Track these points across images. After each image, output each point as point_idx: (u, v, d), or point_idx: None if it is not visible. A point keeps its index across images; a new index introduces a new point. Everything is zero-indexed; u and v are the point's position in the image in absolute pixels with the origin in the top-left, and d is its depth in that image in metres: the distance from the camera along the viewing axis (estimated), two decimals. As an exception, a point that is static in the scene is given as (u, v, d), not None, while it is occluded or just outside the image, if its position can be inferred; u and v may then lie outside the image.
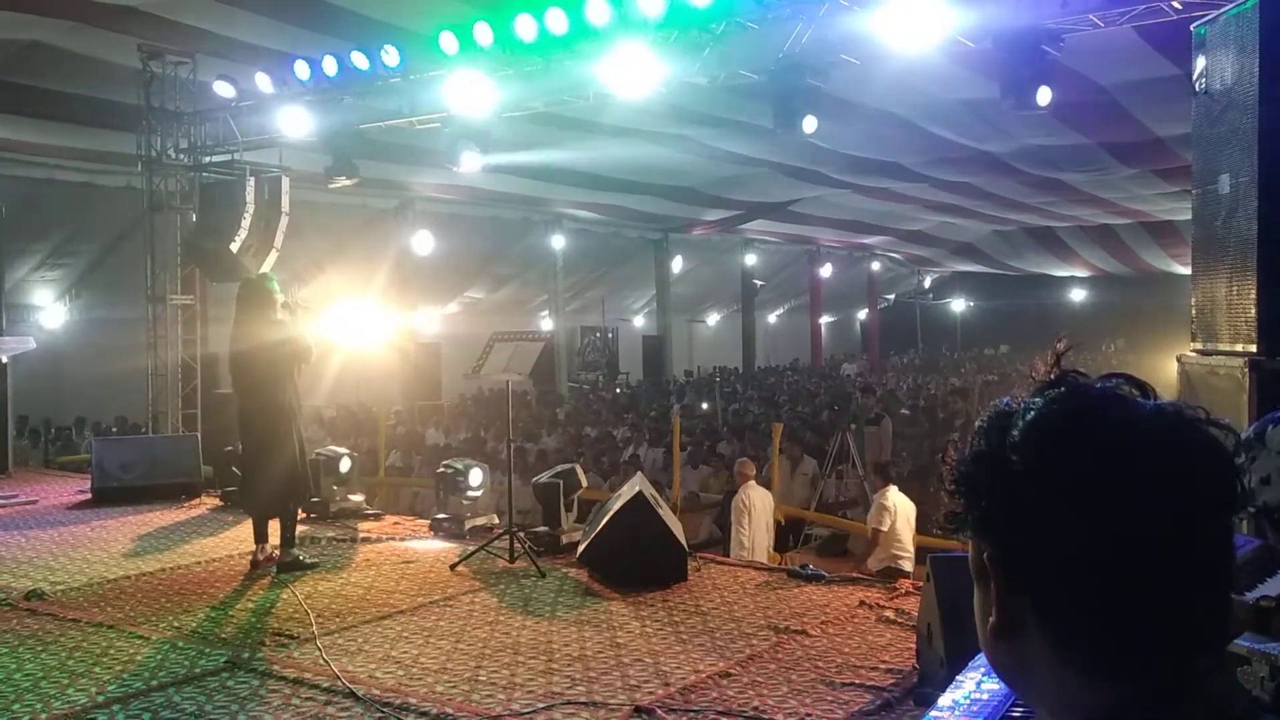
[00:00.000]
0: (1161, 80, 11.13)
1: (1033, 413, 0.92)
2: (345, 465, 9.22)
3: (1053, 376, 0.96)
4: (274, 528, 7.25)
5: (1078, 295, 37.30)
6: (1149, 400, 0.92)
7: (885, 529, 8.24)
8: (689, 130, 14.66)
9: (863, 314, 39.33)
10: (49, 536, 8.38)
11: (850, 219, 25.13)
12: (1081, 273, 34.45)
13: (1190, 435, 0.89)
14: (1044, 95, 7.46)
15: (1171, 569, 0.86)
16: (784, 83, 8.52)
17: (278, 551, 7.17)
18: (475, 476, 8.39)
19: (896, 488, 8.52)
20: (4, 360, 10.07)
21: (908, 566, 7.99)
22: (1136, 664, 0.87)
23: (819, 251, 31.71)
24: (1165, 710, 0.86)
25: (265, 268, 11.24)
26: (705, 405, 20.17)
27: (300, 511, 7.55)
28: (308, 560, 7.18)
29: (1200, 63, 5.09)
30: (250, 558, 7.21)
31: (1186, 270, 6.07)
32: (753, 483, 9.21)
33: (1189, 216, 5.44)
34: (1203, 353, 4.96)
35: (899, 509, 8.29)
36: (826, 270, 31.89)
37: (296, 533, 7.36)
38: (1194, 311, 5.07)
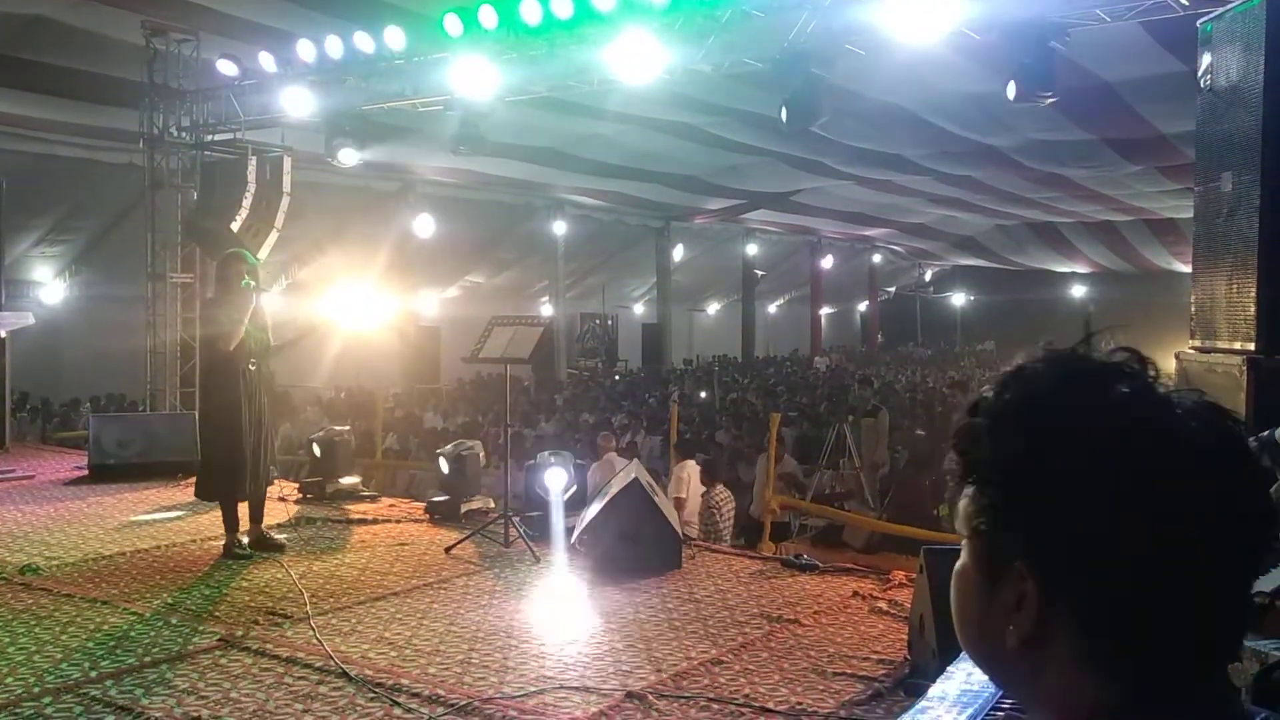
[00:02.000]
0: (1167, 76, 11.12)
1: (1084, 411, 0.86)
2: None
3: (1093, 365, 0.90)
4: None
5: (1078, 291, 37.30)
6: (1178, 394, 0.88)
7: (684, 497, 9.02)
8: (692, 118, 14.63)
9: (863, 306, 39.35)
10: (45, 512, 8.39)
11: (852, 210, 25.11)
12: (1083, 269, 34.44)
13: (1235, 438, 0.87)
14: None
15: (1217, 574, 0.84)
16: (788, 72, 8.49)
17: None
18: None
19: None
20: (2, 335, 10.06)
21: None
22: (1177, 671, 0.85)
23: (820, 242, 31.69)
24: (1180, 711, 0.84)
25: (266, 248, 11.23)
26: (703, 394, 20.18)
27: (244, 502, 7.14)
28: (240, 551, 6.93)
29: (1206, 59, 5.07)
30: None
31: (1187, 268, 6.06)
32: (612, 454, 9.72)
33: (1191, 214, 5.43)
34: (1201, 350, 4.96)
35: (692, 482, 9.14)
36: (828, 261, 31.88)
37: (236, 518, 7.05)
38: (1193, 309, 5.07)
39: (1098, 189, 20.68)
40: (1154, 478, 0.83)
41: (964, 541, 0.95)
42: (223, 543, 7.05)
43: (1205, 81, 5.07)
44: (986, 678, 2.26)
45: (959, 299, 40.34)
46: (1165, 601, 0.83)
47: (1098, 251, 30.47)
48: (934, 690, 2.14)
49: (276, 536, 7.17)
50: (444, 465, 8.46)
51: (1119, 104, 13.04)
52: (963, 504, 0.94)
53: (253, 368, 6.97)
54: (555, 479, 7.83)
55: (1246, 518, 0.85)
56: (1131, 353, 0.90)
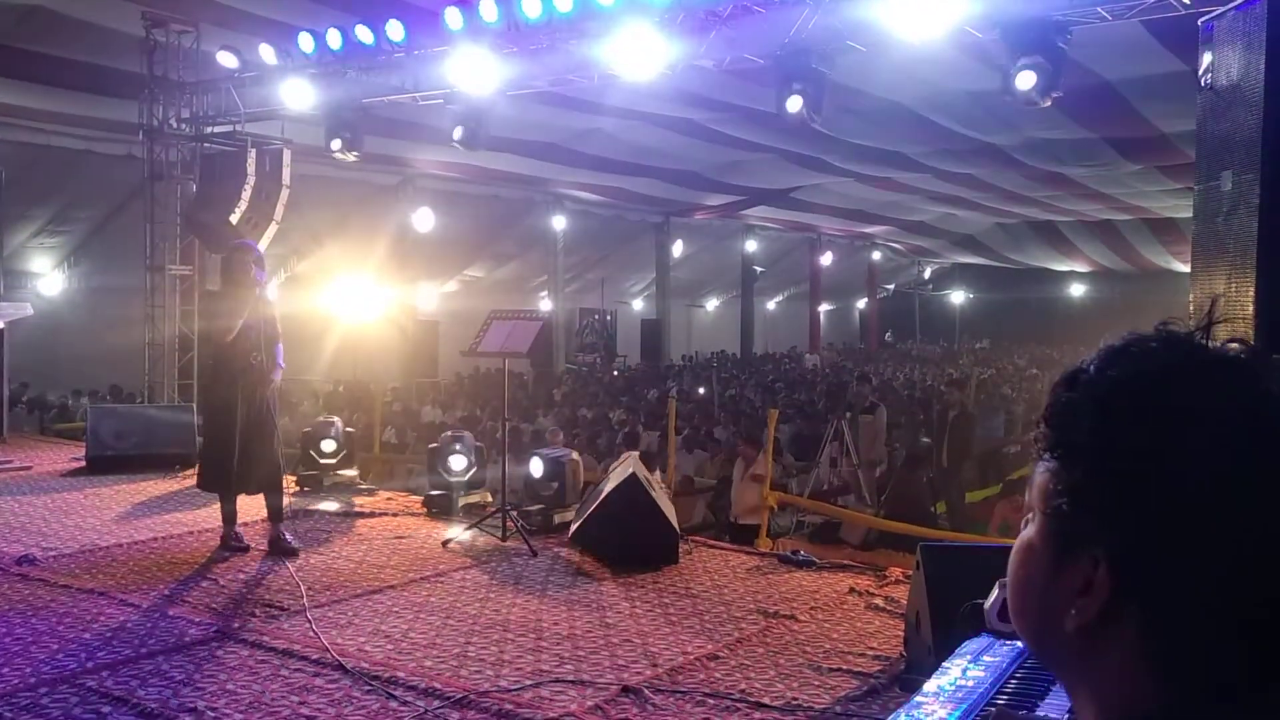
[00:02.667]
0: (1168, 75, 11.12)
1: (1204, 399, 0.81)
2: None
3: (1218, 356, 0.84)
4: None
5: (1077, 290, 37.33)
6: None
7: None
8: (693, 113, 14.62)
9: (862, 303, 39.35)
10: (42, 503, 8.39)
11: (852, 208, 25.11)
12: (1082, 268, 34.46)
13: None
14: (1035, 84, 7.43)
15: None
16: (789, 68, 8.49)
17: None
18: (458, 460, 8.37)
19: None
20: (1, 326, 10.05)
21: None
22: (1240, 680, 0.81)
23: (820, 239, 31.69)
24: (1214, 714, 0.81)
25: (265, 240, 11.22)
26: (701, 390, 20.18)
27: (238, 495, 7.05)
28: (236, 544, 6.90)
29: (1206, 58, 5.07)
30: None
31: (1186, 268, 6.06)
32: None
33: (1191, 213, 5.43)
34: (1199, 349, 4.98)
35: None
36: (827, 258, 31.87)
37: (233, 510, 7.01)
38: (1191, 308, 5.08)
39: (1098, 188, 20.68)
40: (1266, 480, 0.78)
41: (1034, 515, 0.91)
42: (217, 532, 7.05)
43: (1206, 80, 5.07)
44: (984, 669, 2.26)
45: (958, 297, 40.36)
46: (1246, 613, 0.79)
47: (1097, 250, 30.48)
48: (929, 685, 2.14)
49: (292, 542, 6.97)
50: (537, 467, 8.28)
51: (1120, 103, 13.04)
52: (1040, 478, 0.89)
53: (255, 361, 6.83)
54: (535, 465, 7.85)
55: None
56: (1247, 345, 0.85)
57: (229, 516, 7.00)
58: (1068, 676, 0.91)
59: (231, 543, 6.93)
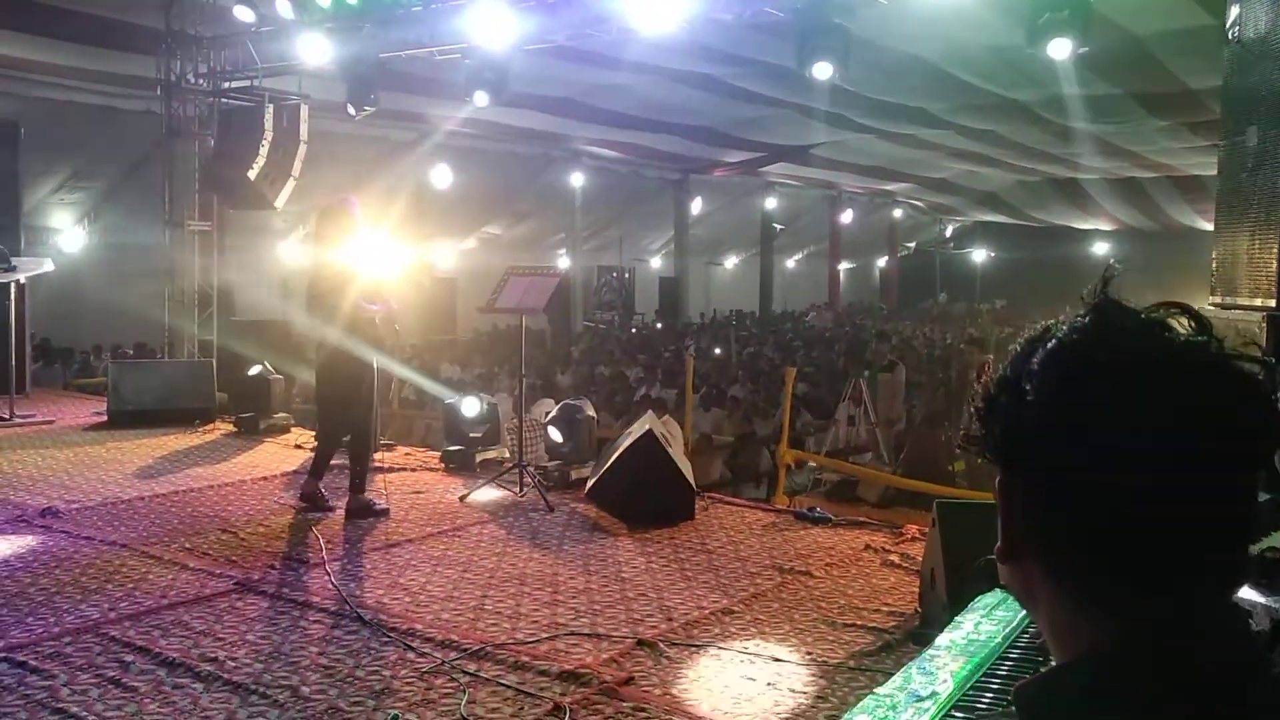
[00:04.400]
0: (1195, 29, 10.92)
1: (1054, 340, 0.90)
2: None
3: (1093, 304, 0.92)
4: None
5: (1100, 248, 36.92)
6: (1192, 333, 0.87)
7: None
8: (712, 68, 14.47)
9: (882, 261, 39.08)
10: (65, 456, 8.48)
11: (873, 164, 24.87)
12: (1105, 226, 34.08)
13: (1221, 370, 0.85)
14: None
15: (1177, 510, 0.83)
16: (809, 21, 8.38)
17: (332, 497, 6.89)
18: (471, 406, 8.43)
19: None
20: (22, 281, 10.10)
21: None
22: (1132, 601, 0.85)
23: (840, 197, 31.42)
24: (1164, 650, 0.83)
25: (283, 197, 11.23)
26: (718, 350, 20.14)
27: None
28: (379, 506, 6.79)
29: (1234, 10, 4.97)
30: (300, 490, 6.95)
31: (1210, 226, 5.98)
32: None
33: (1216, 170, 5.35)
34: (1222, 306, 4.91)
35: None
36: (847, 216, 31.61)
37: (317, 465, 6.94)
38: (1214, 265, 5.02)
39: (1123, 144, 20.39)
40: (1104, 409, 0.84)
41: None
42: (237, 486, 7.10)
43: (1233, 33, 4.98)
44: (996, 623, 2.26)
45: (980, 255, 40.01)
46: (1120, 533, 0.84)
47: (1120, 209, 30.13)
48: (941, 638, 2.15)
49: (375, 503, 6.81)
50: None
51: (1146, 57, 12.82)
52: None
53: (338, 324, 6.68)
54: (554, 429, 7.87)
55: (1221, 451, 0.83)
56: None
57: (315, 470, 6.93)
58: (1028, 610, 0.97)
59: (306, 493, 6.91)
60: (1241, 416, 0.84)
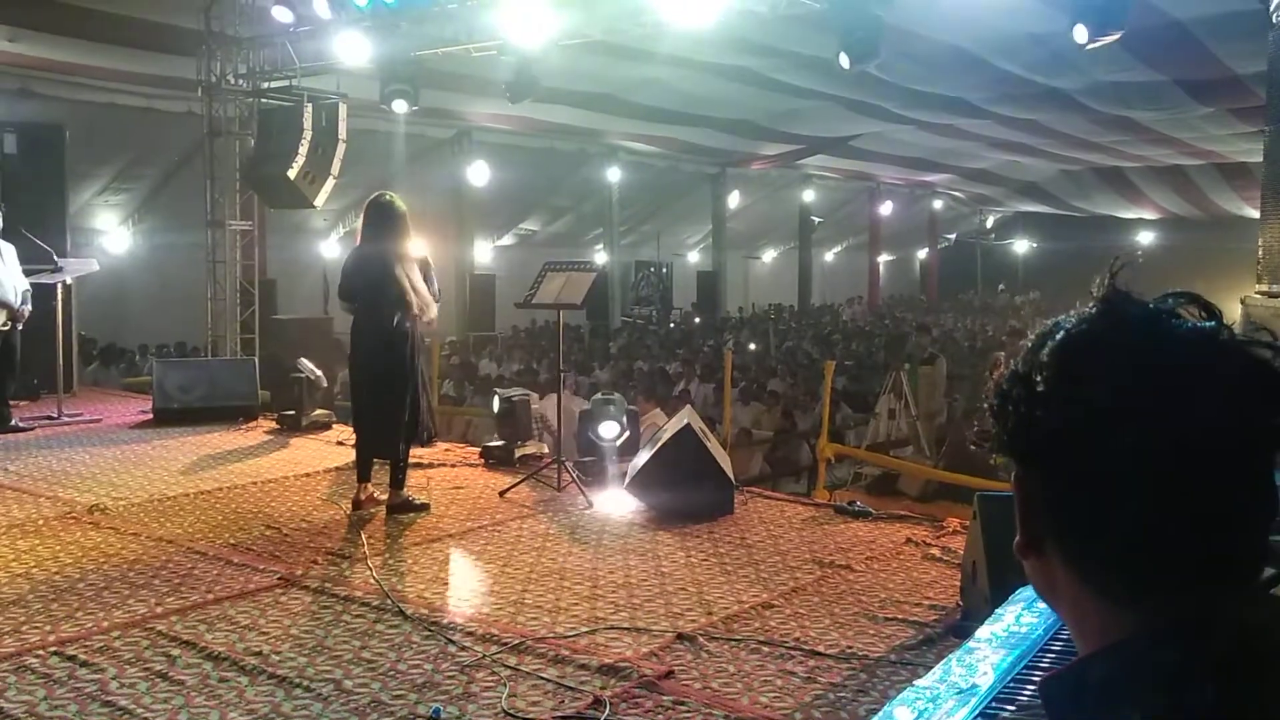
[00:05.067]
0: (1241, 14, 10.73)
1: (1062, 332, 0.89)
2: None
3: (1101, 295, 0.91)
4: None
5: (1145, 238, 36.38)
6: (1203, 323, 0.86)
7: None
8: (748, 61, 14.42)
9: (922, 253, 38.79)
10: (112, 454, 8.60)
11: (912, 156, 24.68)
12: (1150, 215, 33.59)
13: (1233, 357, 0.84)
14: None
15: (1195, 498, 0.82)
16: (846, 11, 8.33)
17: (379, 492, 6.79)
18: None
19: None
20: (68, 282, 10.25)
21: None
22: (1150, 593, 0.84)
23: (879, 189, 31.24)
24: (1185, 644, 0.82)
25: (323, 195, 11.32)
26: (753, 346, 20.08)
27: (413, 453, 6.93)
28: (418, 502, 6.77)
29: (1281, -7, 4.89)
30: (353, 499, 6.77)
31: (1257, 214, 5.88)
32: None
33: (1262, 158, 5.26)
34: (1269, 294, 4.83)
35: None
36: (886, 208, 31.41)
37: (361, 468, 6.80)
38: (1261, 252, 4.94)
39: (1167, 132, 20.09)
40: (1114, 401, 0.83)
41: None
42: (280, 482, 7.15)
43: (1277, 17, 4.89)
44: (1038, 615, 2.24)
45: (1021, 246, 39.59)
46: (1134, 525, 0.83)
47: (1165, 197, 29.69)
48: (982, 631, 2.13)
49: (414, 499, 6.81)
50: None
51: (1191, 43, 12.62)
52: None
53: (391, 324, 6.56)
54: (609, 425, 7.84)
55: (1237, 441, 0.82)
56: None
57: (361, 475, 6.83)
58: (1051, 605, 0.96)
59: (362, 499, 6.75)
60: (1254, 401, 0.82)
